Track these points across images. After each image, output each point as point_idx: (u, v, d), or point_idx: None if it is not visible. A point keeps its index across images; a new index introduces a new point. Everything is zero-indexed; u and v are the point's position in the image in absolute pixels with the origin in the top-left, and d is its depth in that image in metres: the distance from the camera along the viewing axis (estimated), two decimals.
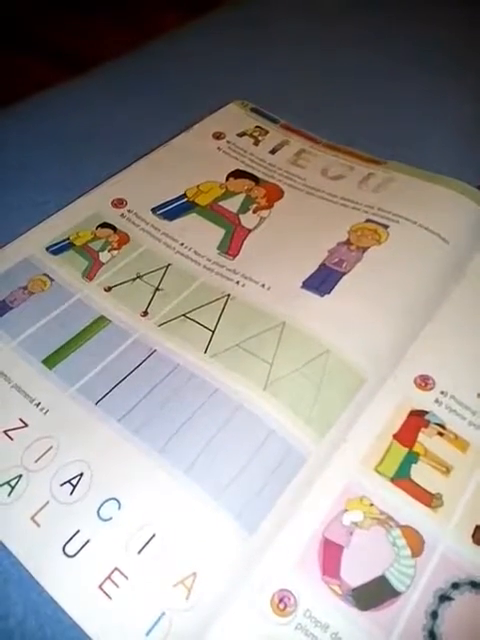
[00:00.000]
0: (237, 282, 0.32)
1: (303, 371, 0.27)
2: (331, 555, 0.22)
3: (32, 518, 0.23)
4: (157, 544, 0.22)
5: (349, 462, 0.25)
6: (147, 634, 0.20)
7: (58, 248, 0.34)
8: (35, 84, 0.50)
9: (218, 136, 0.43)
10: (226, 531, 0.22)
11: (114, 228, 0.36)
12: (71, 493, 0.23)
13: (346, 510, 0.24)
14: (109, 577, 0.21)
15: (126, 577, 0.21)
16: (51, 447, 0.25)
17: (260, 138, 0.43)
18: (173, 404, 0.26)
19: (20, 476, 0.24)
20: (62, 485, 0.24)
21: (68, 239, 0.35)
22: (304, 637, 0.21)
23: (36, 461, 0.25)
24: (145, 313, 0.31)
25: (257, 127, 0.43)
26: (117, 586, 0.21)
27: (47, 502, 0.23)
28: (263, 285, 0.32)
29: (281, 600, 0.21)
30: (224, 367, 0.28)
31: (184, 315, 0.31)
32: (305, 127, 0.43)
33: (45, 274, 0.33)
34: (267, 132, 0.43)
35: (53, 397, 0.27)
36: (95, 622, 0.21)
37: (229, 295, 0.31)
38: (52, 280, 0.32)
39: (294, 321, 0.29)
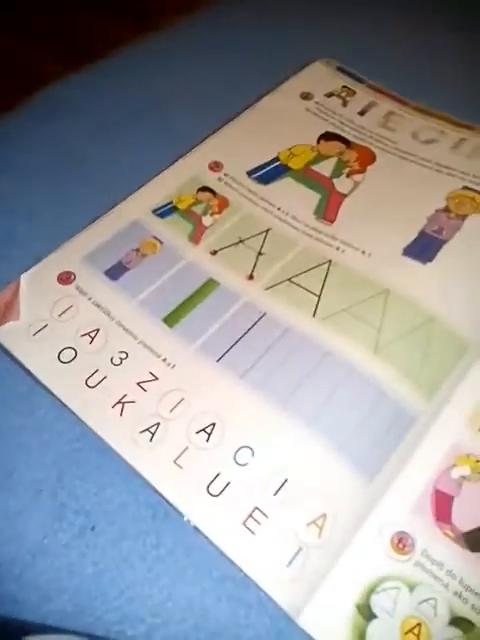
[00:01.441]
0: (337, 248, 0.34)
1: (410, 337, 0.29)
2: (443, 503, 0.25)
3: (174, 461, 0.26)
4: (290, 488, 0.25)
5: (456, 422, 0.27)
6: (288, 565, 0.23)
7: (164, 211, 0.36)
8: (112, 43, 0.51)
9: (306, 96, 0.43)
10: (349, 478, 0.25)
11: (213, 192, 0.37)
12: (207, 440, 0.26)
13: (454, 465, 0.26)
14: (251, 515, 0.24)
15: (266, 516, 0.24)
16: (182, 399, 0.28)
17: (348, 99, 0.43)
18: (290, 364, 0.29)
19: (158, 424, 0.27)
20: (197, 433, 0.27)
21: (172, 202, 0.36)
22: (422, 572, 0.24)
23: (170, 411, 0.27)
24: (251, 277, 0.33)
25: (344, 87, 0.44)
26: (259, 523, 0.24)
27: (186, 448, 0.26)
28: (363, 252, 0.33)
29: (400, 541, 0.24)
30: (334, 331, 0.30)
31: (289, 280, 0.32)
32: (392, 88, 0.43)
33: (154, 237, 0.34)
34: (354, 93, 0.43)
35: (177, 353, 0.29)
36: (241, 553, 0.24)
37: (331, 261, 0.33)
38: (162, 243, 0.34)
39: (398, 288, 0.31)
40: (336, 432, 0.26)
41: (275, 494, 0.25)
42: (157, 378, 0.28)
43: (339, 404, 0.27)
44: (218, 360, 0.29)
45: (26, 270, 0.33)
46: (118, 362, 0.29)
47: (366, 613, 0.22)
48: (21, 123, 0.42)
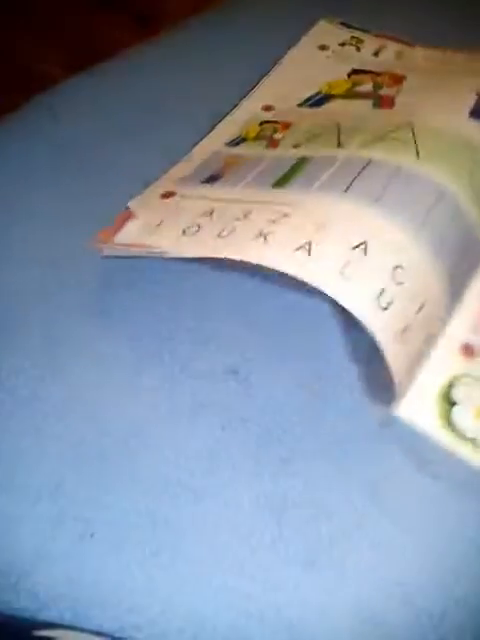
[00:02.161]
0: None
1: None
2: None
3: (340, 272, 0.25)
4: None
5: None
6: None
7: (236, 142, 0.38)
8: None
9: (322, 48, 0.47)
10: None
11: (275, 122, 0.39)
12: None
13: None
14: None
15: None
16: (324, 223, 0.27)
17: (359, 45, 0.47)
18: (412, 194, 0.29)
19: (310, 243, 0.26)
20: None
21: (240, 135, 0.38)
22: None
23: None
24: (339, 144, 0.34)
25: (353, 37, 0.48)
26: None
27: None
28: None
29: (466, 349, 0.28)
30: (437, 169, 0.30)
31: (379, 137, 0.33)
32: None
33: (235, 155, 0.36)
34: (363, 41, 0.48)
35: (299, 199, 0.29)
36: None
37: (411, 122, 0.34)
38: (242, 157, 0.36)
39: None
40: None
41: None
42: (289, 215, 0.28)
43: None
44: (346, 191, 0.29)
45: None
46: (242, 216, 0.28)
47: (449, 401, 0.27)
48: None
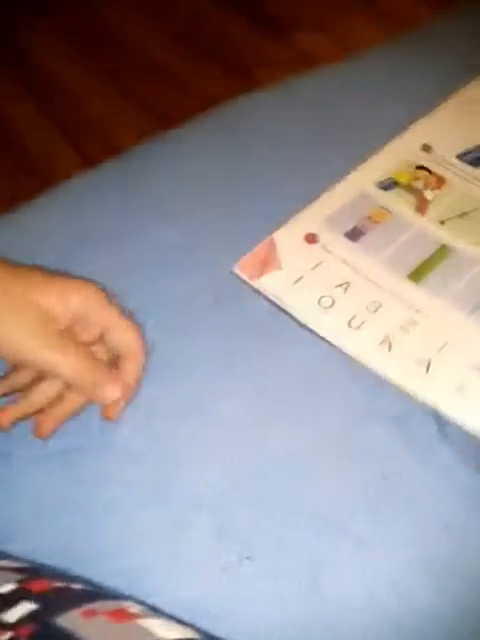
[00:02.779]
0: None
1: None
2: None
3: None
4: None
5: None
6: None
7: (387, 185, 0.39)
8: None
9: None
10: None
11: (429, 170, 0.40)
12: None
13: None
14: None
15: None
16: (446, 343, 0.30)
17: None
18: None
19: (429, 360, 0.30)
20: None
21: (393, 177, 0.39)
22: None
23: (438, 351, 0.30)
24: None
25: None
26: None
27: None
28: None
29: None
30: None
31: None
32: None
33: (382, 206, 0.37)
34: None
35: (429, 305, 0.32)
36: None
37: None
38: (390, 212, 0.37)
39: None
40: None
41: None
42: (417, 323, 0.31)
43: None
44: (471, 313, 0.31)
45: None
46: (374, 309, 0.32)
47: None
48: None
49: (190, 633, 0.19)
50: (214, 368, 0.31)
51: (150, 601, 0.24)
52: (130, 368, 0.29)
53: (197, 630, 0.20)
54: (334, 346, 0.31)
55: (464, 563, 0.26)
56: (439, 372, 0.30)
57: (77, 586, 0.21)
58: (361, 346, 0.30)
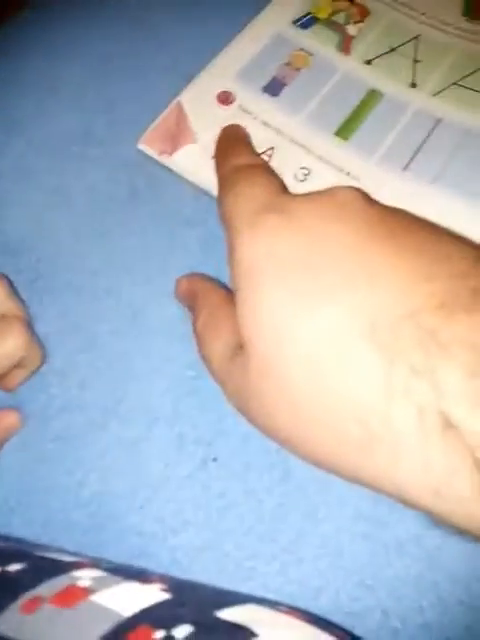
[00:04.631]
0: None
1: None
2: None
3: None
4: None
5: None
6: None
7: (305, 22, 0.33)
8: None
9: None
10: None
11: (351, 0, 0.34)
12: None
13: None
14: None
15: None
16: None
17: None
18: None
19: None
20: None
21: (310, 13, 0.34)
22: None
23: None
24: (413, 85, 0.31)
25: None
26: None
27: None
28: None
29: None
30: None
31: (455, 83, 0.31)
32: None
33: (302, 49, 0.32)
34: None
35: (360, 165, 0.29)
36: None
37: None
38: (312, 55, 0.32)
39: None
40: None
41: None
42: None
43: None
44: (404, 169, 0.29)
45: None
46: (302, 178, 0.29)
47: None
48: None
49: (156, 592, 0.17)
50: (143, 270, 0.28)
51: (117, 526, 0.23)
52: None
53: (169, 579, 0.19)
54: None
55: None
56: None
57: (14, 567, 0.18)
58: None
